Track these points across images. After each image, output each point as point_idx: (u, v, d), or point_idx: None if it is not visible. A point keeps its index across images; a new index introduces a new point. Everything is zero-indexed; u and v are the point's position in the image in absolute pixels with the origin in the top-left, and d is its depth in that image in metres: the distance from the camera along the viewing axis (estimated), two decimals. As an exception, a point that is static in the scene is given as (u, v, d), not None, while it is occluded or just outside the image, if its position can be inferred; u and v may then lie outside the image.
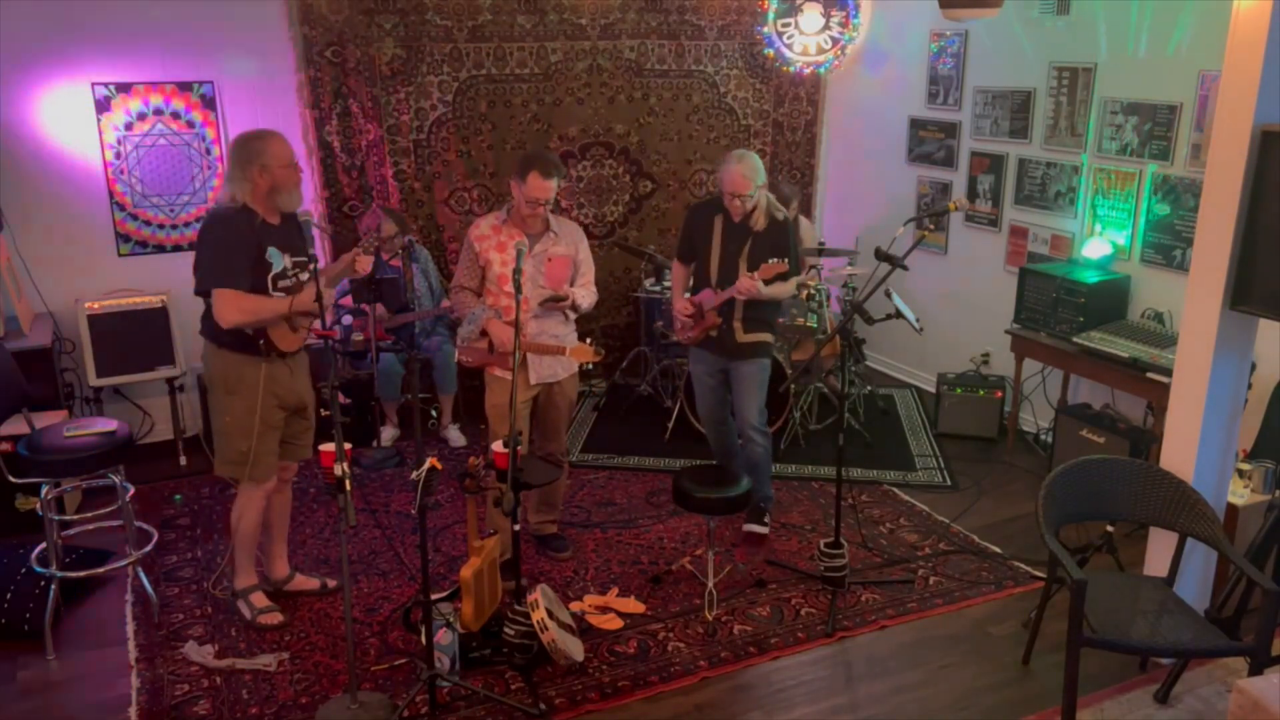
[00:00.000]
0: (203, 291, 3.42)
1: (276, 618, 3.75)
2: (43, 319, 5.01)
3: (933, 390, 5.88)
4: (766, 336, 4.24)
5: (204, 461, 5.00)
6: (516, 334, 3.45)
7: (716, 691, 3.44)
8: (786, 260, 3.97)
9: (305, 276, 3.61)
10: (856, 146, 6.73)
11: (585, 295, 4.04)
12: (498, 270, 3.94)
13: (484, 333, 3.93)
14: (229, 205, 3.44)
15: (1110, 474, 3.40)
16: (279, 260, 3.49)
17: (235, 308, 3.38)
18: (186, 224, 5.33)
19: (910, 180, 6.32)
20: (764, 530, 4.46)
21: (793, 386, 5.41)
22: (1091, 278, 4.93)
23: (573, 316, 4.08)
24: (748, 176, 3.98)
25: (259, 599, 3.78)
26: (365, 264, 3.69)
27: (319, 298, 3.32)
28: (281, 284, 3.50)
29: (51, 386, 4.72)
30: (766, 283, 4.00)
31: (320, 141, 5.49)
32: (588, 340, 4.03)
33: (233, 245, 3.39)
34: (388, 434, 5.51)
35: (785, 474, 5.13)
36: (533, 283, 3.87)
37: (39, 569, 3.73)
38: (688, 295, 4.30)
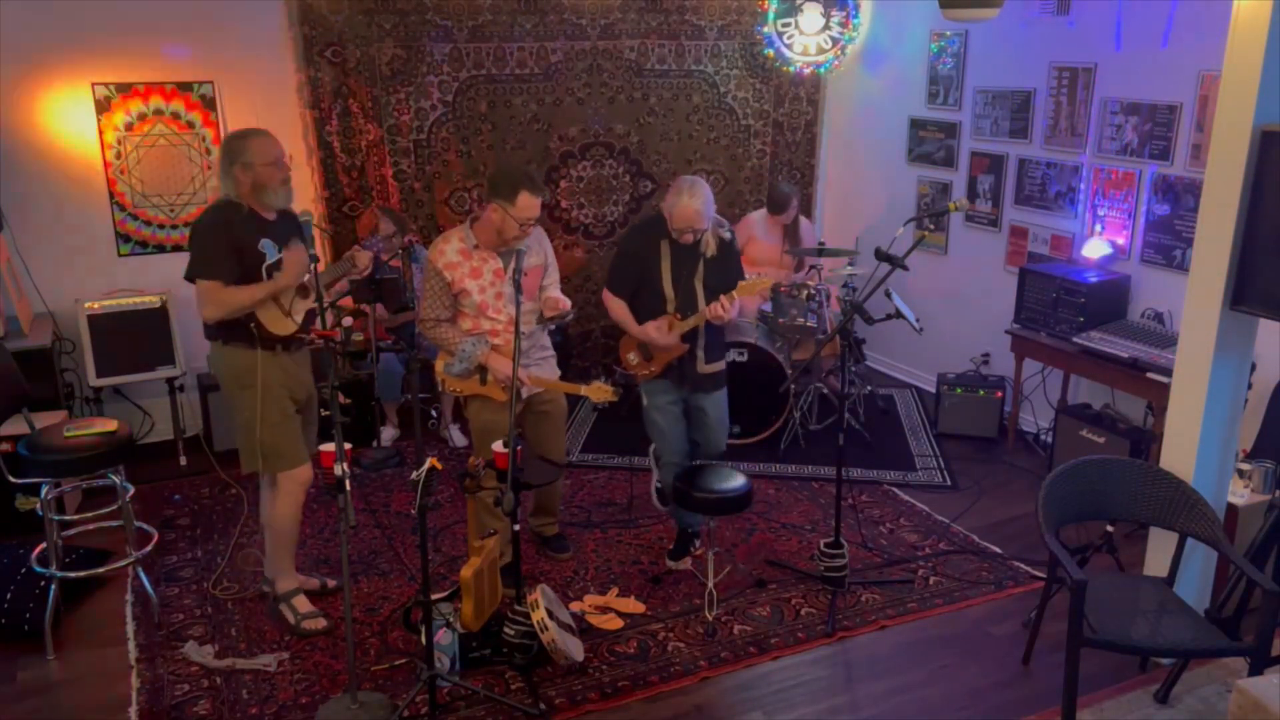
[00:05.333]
0: (189, 279, 3.46)
1: (321, 623, 3.72)
2: (43, 319, 5.01)
3: (933, 390, 5.88)
4: (723, 365, 4.09)
5: (204, 461, 5.01)
6: (517, 335, 3.44)
7: (716, 691, 3.44)
8: (759, 275, 3.80)
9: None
10: (856, 146, 6.73)
11: (566, 299, 3.95)
12: (477, 299, 3.80)
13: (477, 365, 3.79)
14: (217, 199, 3.50)
15: (1110, 474, 3.40)
16: (273, 251, 3.49)
17: (212, 301, 3.41)
18: (186, 224, 5.32)
19: (910, 180, 6.32)
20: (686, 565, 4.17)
21: (793, 386, 5.41)
22: (1091, 278, 4.94)
23: (550, 326, 4.00)
24: (701, 212, 3.76)
25: (302, 603, 3.76)
26: (364, 259, 3.69)
27: (319, 298, 3.33)
28: (275, 275, 3.51)
29: (51, 386, 4.72)
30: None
31: (320, 141, 5.49)
32: (603, 379, 3.81)
33: (218, 236, 3.41)
34: (388, 434, 5.51)
35: (785, 474, 5.13)
36: (510, 302, 3.71)
37: (39, 569, 3.73)
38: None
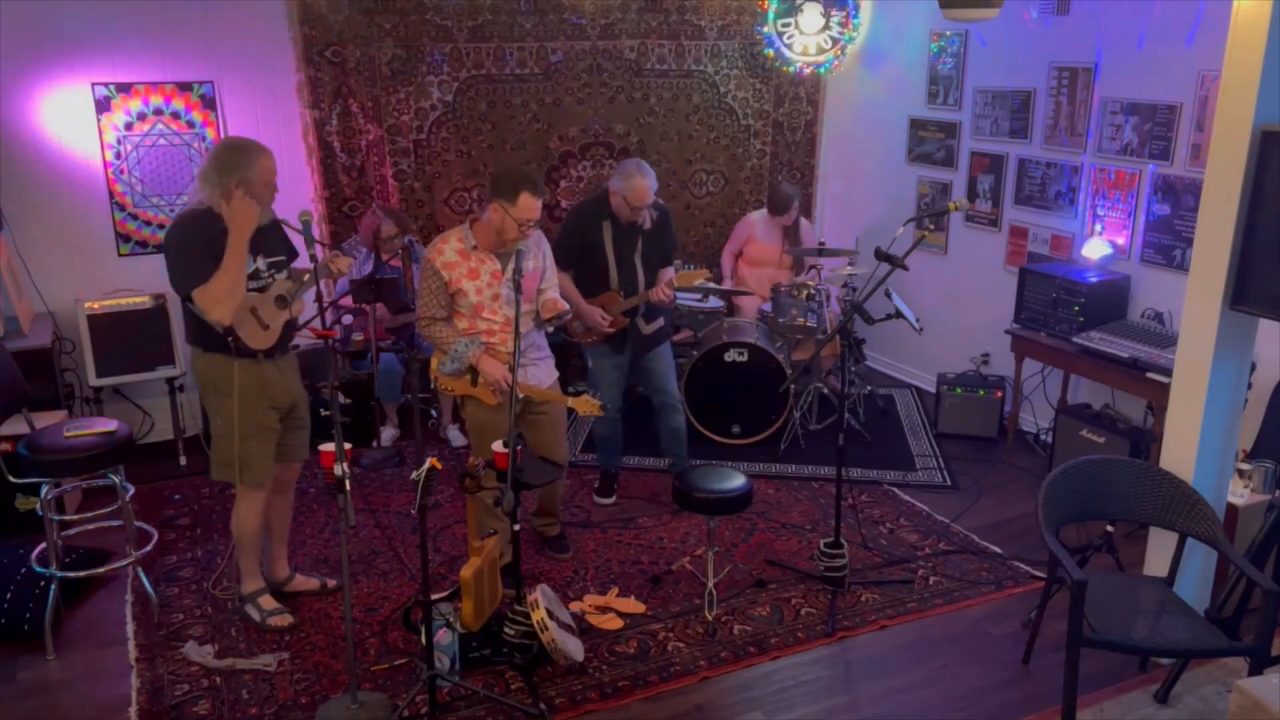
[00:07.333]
0: (186, 296, 3.37)
1: (286, 619, 3.74)
2: (43, 319, 5.01)
3: (933, 390, 5.88)
4: (661, 321, 4.56)
5: (204, 462, 4.99)
6: (516, 337, 3.44)
7: (716, 691, 3.44)
8: (703, 266, 4.22)
9: (282, 275, 3.59)
10: (856, 146, 6.73)
11: (564, 302, 3.97)
12: (474, 300, 3.77)
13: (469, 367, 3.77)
14: (192, 209, 3.40)
15: (1110, 474, 3.40)
16: (249, 262, 3.44)
17: (211, 301, 3.31)
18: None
19: (910, 180, 6.32)
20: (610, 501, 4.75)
21: (793, 386, 5.41)
22: (1091, 278, 4.94)
23: (549, 328, 4.01)
24: (652, 188, 4.20)
25: (267, 601, 3.77)
26: (343, 263, 3.67)
27: (318, 298, 3.32)
28: (254, 285, 3.47)
29: (51, 386, 4.72)
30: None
31: (320, 141, 5.49)
32: (590, 393, 3.84)
33: (198, 247, 3.33)
34: (388, 434, 5.51)
35: (785, 474, 5.14)
36: (509, 304, 3.70)
37: (39, 569, 3.73)
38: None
